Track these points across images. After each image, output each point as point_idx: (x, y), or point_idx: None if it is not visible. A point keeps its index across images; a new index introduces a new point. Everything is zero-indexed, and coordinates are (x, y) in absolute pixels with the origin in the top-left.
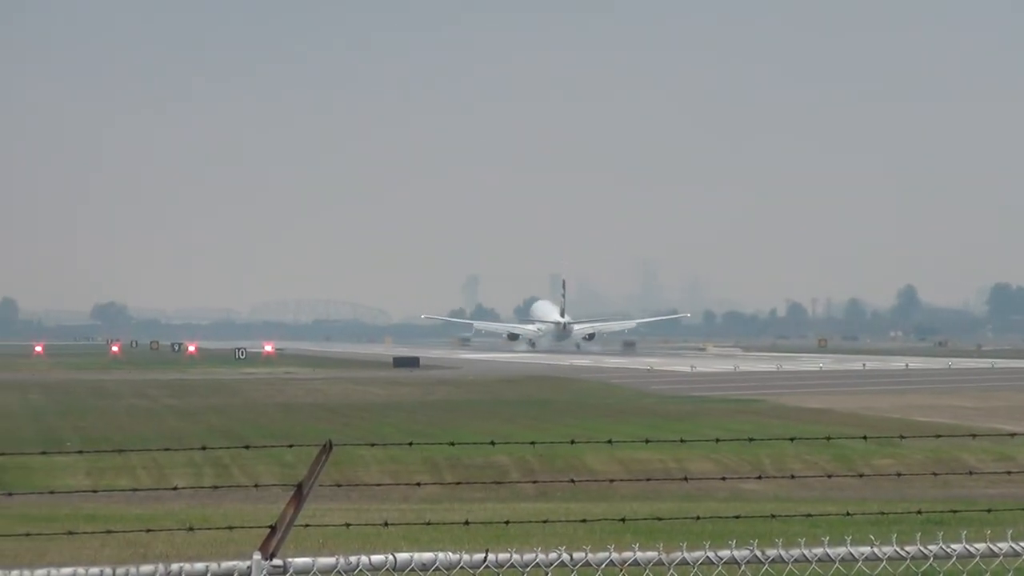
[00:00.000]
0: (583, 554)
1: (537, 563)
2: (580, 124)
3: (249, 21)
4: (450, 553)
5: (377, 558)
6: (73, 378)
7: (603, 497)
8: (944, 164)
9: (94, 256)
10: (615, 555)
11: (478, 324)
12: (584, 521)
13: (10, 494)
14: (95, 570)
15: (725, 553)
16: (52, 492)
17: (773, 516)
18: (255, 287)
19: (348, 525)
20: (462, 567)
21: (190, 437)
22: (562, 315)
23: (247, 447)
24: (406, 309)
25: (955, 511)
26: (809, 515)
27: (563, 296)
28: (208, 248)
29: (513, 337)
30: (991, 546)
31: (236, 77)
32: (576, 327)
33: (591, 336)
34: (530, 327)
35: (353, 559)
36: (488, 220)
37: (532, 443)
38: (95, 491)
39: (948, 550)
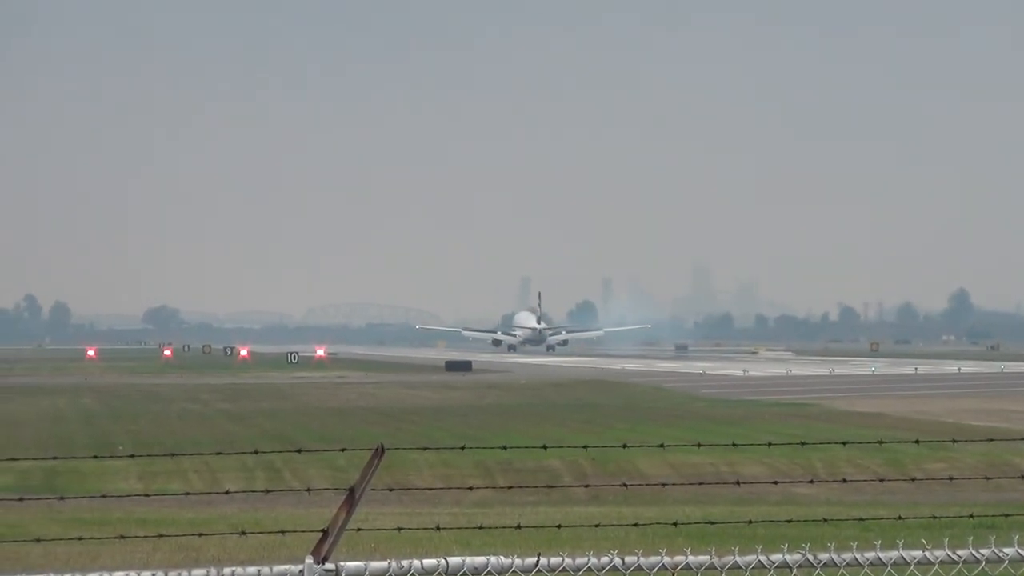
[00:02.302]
0: (635, 558)
1: (589, 567)
2: (633, 126)
3: (300, 25)
4: (502, 557)
5: (429, 562)
6: (125, 382)
7: (655, 501)
8: (997, 167)
9: (146, 260)
10: (667, 559)
11: (465, 332)
12: (636, 525)
13: (62, 498)
14: (147, 574)
15: (777, 557)
16: (104, 496)
17: (825, 520)
18: (308, 291)
19: (400, 529)
20: (514, 571)
21: (242, 441)
22: (538, 323)
23: (299, 451)
24: (460, 313)
25: (1007, 515)
26: (861, 519)
27: (539, 306)
28: (260, 252)
29: (497, 343)
30: None
31: (286, 81)
32: (550, 334)
33: (564, 343)
34: (512, 334)
35: (405, 563)
36: (541, 223)
37: (584, 447)
38: (147, 495)
39: (1000, 554)
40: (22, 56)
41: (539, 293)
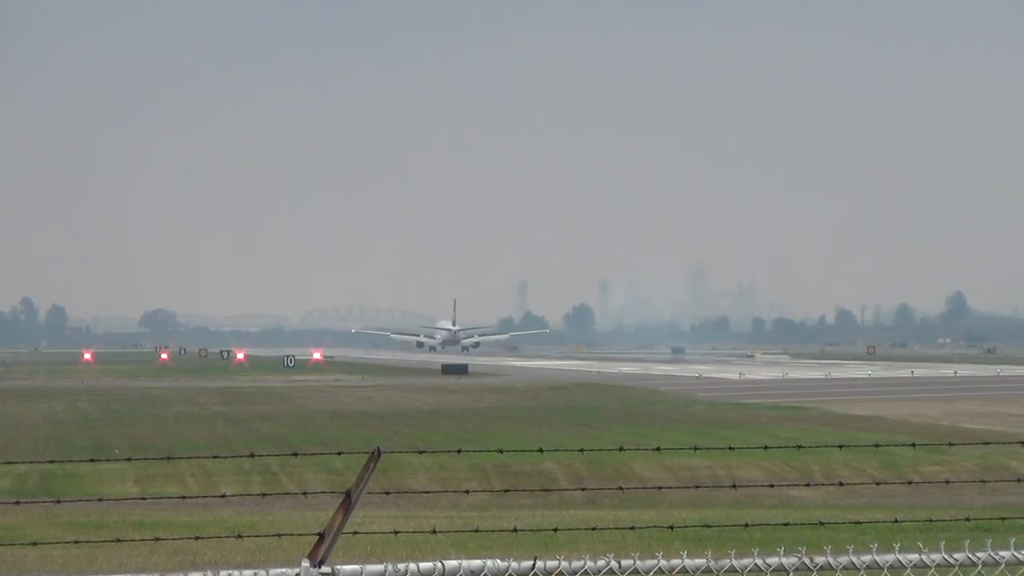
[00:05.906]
0: (631, 561)
1: (586, 570)
2: (631, 127)
3: (297, 27)
4: (499, 560)
5: (425, 565)
6: (122, 385)
7: (652, 504)
8: (995, 170)
9: (143, 263)
10: (663, 562)
11: (394, 336)
12: (633, 528)
13: (58, 501)
14: None
15: (774, 560)
16: (101, 499)
17: (822, 523)
18: (305, 294)
19: (396, 532)
20: (510, 574)
21: (239, 444)
22: (453, 325)
23: (295, 454)
24: (457, 316)
25: (1003, 518)
26: (858, 522)
27: (454, 312)
28: (258, 255)
29: (420, 345)
30: None
31: (283, 85)
32: (463, 336)
33: (477, 344)
34: (432, 337)
35: (401, 566)
36: (539, 226)
37: (581, 450)
38: (144, 498)
39: (997, 557)
40: (19, 56)
41: (454, 300)
